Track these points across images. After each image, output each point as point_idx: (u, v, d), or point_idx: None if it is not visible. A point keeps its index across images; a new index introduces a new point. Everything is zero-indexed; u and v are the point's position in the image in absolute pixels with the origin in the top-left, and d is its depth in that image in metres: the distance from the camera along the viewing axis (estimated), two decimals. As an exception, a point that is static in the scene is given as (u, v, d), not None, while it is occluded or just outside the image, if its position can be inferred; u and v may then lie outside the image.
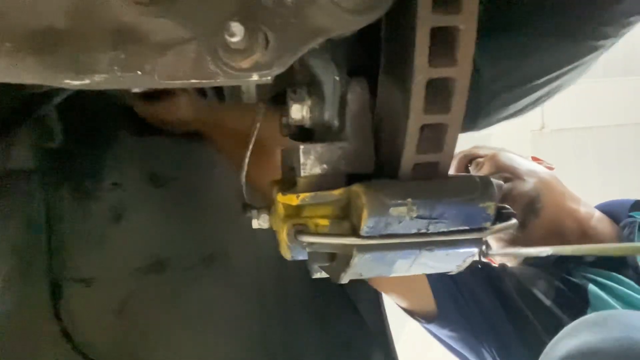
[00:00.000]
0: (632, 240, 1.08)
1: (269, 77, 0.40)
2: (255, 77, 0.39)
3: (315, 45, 0.40)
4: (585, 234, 1.12)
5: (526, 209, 1.11)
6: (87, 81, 0.38)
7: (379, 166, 0.51)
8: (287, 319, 1.06)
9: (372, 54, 0.52)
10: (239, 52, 0.37)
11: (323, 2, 0.36)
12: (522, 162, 1.21)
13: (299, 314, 1.08)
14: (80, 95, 0.91)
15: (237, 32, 0.35)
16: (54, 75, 0.37)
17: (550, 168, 1.24)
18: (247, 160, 0.75)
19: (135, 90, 0.83)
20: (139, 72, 0.38)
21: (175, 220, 1.04)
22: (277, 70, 0.39)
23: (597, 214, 1.17)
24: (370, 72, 0.52)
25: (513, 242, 1.15)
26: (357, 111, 0.51)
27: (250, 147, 0.76)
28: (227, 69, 0.38)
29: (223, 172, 1.05)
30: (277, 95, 0.65)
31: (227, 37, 0.36)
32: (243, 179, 0.72)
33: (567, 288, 1.01)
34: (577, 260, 1.08)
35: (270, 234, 0.62)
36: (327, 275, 0.58)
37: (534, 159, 1.27)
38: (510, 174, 1.16)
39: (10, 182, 0.82)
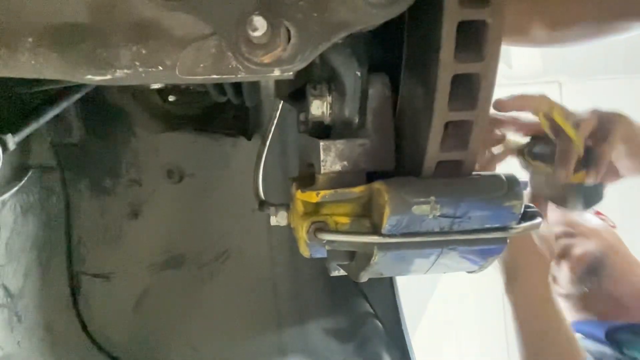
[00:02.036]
0: None
1: (291, 73, 0.39)
2: (277, 72, 0.38)
3: (337, 40, 0.39)
4: None
5: (589, 269, 1.10)
6: (108, 77, 0.37)
7: (400, 163, 0.50)
8: (300, 312, 1.06)
9: (394, 50, 0.51)
10: (261, 46, 0.36)
11: (347, -5, 0.35)
12: (587, 218, 1.19)
13: (313, 308, 1.08)
14: (99, 92, 0.92)
15: (259, 26, 0.35)
16: (75, 70, 0.37)
17: (613, 226, 1.22)
18: (264, 156, 0.74)
19: (155, 86, 0.83)
20: (160, 68, 0.38)
21: (191, 217, 1.05)
22: (299, 65, 0.38)
23: None
24: (391, 68, 0.51)
25: (570, 297, 1.14)
26: (378, 107, 0.50)
27: (267, 142, 0.76)
28: (248, 64, 0.37)
29: (238, 169, 1.05)
30: (295, 92, 0.64)
31: (249, 31, 0.35)
32: (259, 176, 0.72)
33: None
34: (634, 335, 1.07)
35: (284, 230, 0.61)
36: (345, 274, 0.57)
37: (598, 213, 1.25)
38: (574, 229, 1.15)
39: (30, 178, 0.82)
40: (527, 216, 0.48)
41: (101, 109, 0.95)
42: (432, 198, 0.43)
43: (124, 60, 0.37)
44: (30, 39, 0.37)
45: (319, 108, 0.51)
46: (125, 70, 0.37)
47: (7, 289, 0.74)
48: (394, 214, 0.43)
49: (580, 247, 1.12)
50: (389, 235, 0.45)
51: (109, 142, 0.97)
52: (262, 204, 0.65)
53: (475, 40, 0.39)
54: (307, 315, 1.07)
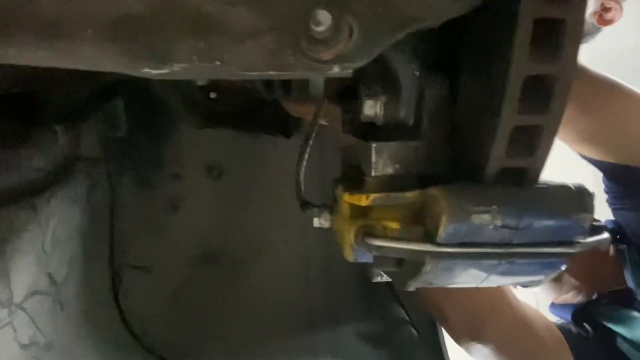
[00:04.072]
0: None
1: (351, 70, 0.37)
2: (336, 69, 0.37)
3: (401, 37, 0.37)
4: None
5: None
6: (165, 70, 0.37)
7: (455, 168, 0.48)
8: (333, 313, 1.05)
9: (452, 48, 0.48)
10: (322, 42, 0.35)
11: (416, -12, 0.33)
12: None
13: (346, 310, 1.06)
14: (144, 86, 0.93)
15: (323, 21, 0.33)
16: (133, 63, 0.36)
17: None
18: (306, 155, 0.73)
19: (201, 82, 0.83)
20: (218, 63, 0.37)
21: (228, 214, 1.05)
22: (361, 62, 0.36)
23: None
24: (447, 68, 0.48)
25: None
26: (435, 109, 0.47)
27: (310, 142, 0.74)
28: (307, 60, 0.36)
29: (277, 168, 1.05)
30: (343, 90, 0.62)
31: (312, 25, 0.33)
32: (301, 176, 0.71)
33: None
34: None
35: (319, 231, 0.60)
36: (388, 280, 0.55)
37: None
38: None
39: (78, 169, 0.84)
40: (593, 230, 0.45)
41: (146, 103, 0.97)
42: (494, 207, 0.40)
43: (182, 54, 0.36)
44: (89, 31, 0.36)
45: (372, 108, 0.49)
46: (183, 65, 0.37)
47: (52, 277, 0.75)
48: (451, 222, 0.41)
49: None
50: (445, 245, 0.42)
51: (153, 136, 0.99)
52: (305, 205, 0.63)
53: (553, 39, 0.36)
54: (340, 317, 1.06)
